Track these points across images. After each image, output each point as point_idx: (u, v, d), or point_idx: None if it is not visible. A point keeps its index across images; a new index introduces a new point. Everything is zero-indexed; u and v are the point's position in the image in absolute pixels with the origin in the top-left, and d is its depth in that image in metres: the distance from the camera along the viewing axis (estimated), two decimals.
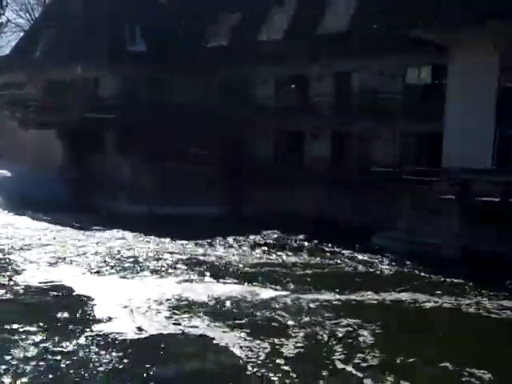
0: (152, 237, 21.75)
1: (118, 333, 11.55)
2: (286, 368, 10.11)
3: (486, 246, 19.35)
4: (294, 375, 9.83)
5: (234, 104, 32.96)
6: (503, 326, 13.09)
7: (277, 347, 11.02)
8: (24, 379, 9.57)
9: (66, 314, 12.58)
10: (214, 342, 11.28)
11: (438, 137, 23.19)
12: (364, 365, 10.26)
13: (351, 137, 28.87)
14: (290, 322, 12.52)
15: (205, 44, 34.92)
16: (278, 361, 10.38)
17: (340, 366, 10.19)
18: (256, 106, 31.86)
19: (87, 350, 10.70)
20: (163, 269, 17.06)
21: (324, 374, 9.89)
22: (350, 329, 12.16)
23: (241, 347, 10.96)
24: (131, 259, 18.16)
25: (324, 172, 27.72)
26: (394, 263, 18.78)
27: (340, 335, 11.82)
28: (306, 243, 21.60)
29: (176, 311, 13.03)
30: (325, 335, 11.79)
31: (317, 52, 29.25)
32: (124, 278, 16.11)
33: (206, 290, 14.80)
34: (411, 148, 26.54)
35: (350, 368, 10.09)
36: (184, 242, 21.00)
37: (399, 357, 10.69)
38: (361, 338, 11.62)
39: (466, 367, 10.05)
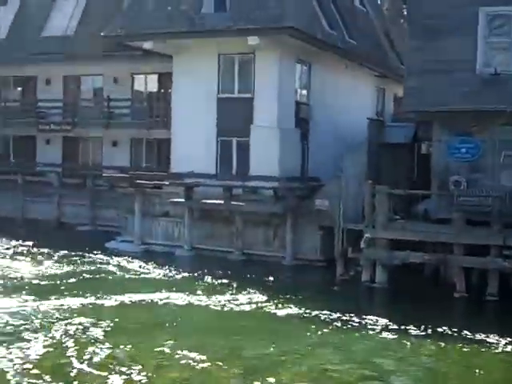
0: None
1: None
2: (27, 366, 10.84)
3: (211, 245, 21.57)
4: (36, 372, 10.57)
5: None
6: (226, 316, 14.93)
7: (22, 349, 11.64)
8: None
9: None
10: None
11: (167, 143, 24.82)
12: (96, 359, 11.30)
13: (82, 142, 29.35)
14: (29, 327, 13.04)
15: None
16: (21, 362, 11.04)
17: (76, 363, 11.08)
18: None
19: None
20: None
21: (63, 371, 10.80)
22: (82, 327, 13.08)
23: None
24: None
25: (58, 177, 27.88)
26: (132, 265, 19.71)
27: (72, 333, 12.70)
28: (45, 250, 21.35)
29: None
30: (58, 335, 12.57)
31: (43, 54, 29.10)
32: None
33: None
34: (142, 153, 27.94)
35: (82, 364, 11.03)
36: None
37: (127, 347, 11.94)
38: (92, 335, 12.66)
39: (188, 350, 11.68)
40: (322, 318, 14.37)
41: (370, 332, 13.53)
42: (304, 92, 24.45)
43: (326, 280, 18.65)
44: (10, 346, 11.83)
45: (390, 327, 13.76)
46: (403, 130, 22.61)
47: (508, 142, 18.15)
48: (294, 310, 15.09)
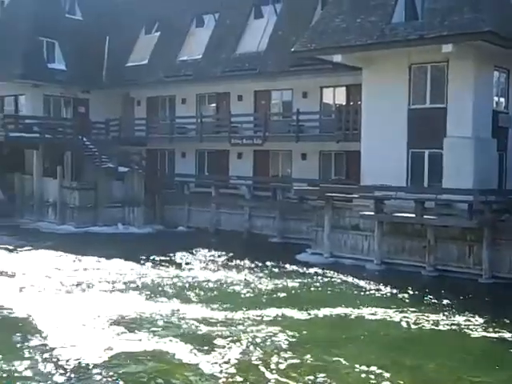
0: (92, 257, 21.95)
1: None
2: (231, 370, 11.39)
3: (401, 259, 21.11)
4: (240, 379, 11.06)
5: (157, 122, 34.00)
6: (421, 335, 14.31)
7: (221, 354, 12.26)
8: None
9: None
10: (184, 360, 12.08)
11: (356, 155, 24.71)
12: (281, 367, 11.66)
13: (272, 155, 30.12)
14: (222, 334, 13.57)
15: (125, 62, 35.39)
16: (226, 367, 11.56)
17: (267, 372, 11.44)
18: (178, 124, 32.77)
19: None
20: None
21: (258, 379, 11.11)
22: (270, 337, 13.42)
23: (207, 362, 11.92)
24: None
25: (249, 190, 28.77)
26: (324, 279, 19.57)
27: (258, 341, 13.11)
28: (240, 261, 21.89)
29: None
30: (248, 343, 13.01)
31: (236, 71, 30.35)
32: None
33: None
34: (331, 166, 28.03)
35: (267, 370, 11.43)
36: (124, 261, 21.47)
37: (310, 358, 12.14)
38: (279, 345, 12.97)
39: (367, 365, 11.68)
40: None
41: None
42: (502, 100, 23.13)
43: None
44: (211, 352, 12.41)
45: None
46: None
47: None
48: (496, 333, 14.12)
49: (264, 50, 29.99)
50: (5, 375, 11.11)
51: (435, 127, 22.15)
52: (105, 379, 11.04)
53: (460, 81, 21.69)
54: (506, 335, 14.00)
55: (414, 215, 20.66)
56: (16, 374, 11.16)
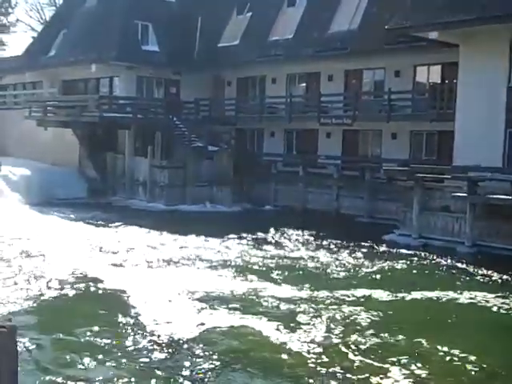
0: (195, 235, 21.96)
1: None
2: (317, 350, 11.31)
3: (495, 242, 20.21)
4: (325, 360, 10.83)
5: (247, 102, 34.10)
6: None
7: (306, 332, 12.28)
8: None
9: None
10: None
11: (449, 135, 23.94)
12: (362, 347, 11.53)
13: (362, 135, 29.60)
14: (305, 312, 13.53)
15: (217, 43, 35.63)
16: (314, 346, 11.54)
17: (340, 345, 11.55)
18: (268, 103, 32.72)
19: None
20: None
21: (343, 358, 11.00)
22: (350, 312, 13.42)
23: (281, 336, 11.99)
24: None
25: (337, 170, 28.48)
26: (413, 261, 19.02)
27: (338, 318, 13.07)
28: (329, 240, 21.60)
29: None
30: (325, 318, 13.03)
31: (328, 50, 29.93)
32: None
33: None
34: (422, 146, 27.22)
35: (349, 350, 11.32)
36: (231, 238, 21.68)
37: (391, 338, 12.03)
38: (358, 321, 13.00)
39: (460, 351, 11.31)
40: None
41: None
42: None
43: None
44: (296, 330, 12.35)
45: None
46: None
47: None
48: None
49: (356, 28, 29.41)
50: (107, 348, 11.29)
51: None
52: (202, 353, 11.07)
53: None
54: None
55: (511, 197, 19.79)
56: (114, 349, 11.24)
